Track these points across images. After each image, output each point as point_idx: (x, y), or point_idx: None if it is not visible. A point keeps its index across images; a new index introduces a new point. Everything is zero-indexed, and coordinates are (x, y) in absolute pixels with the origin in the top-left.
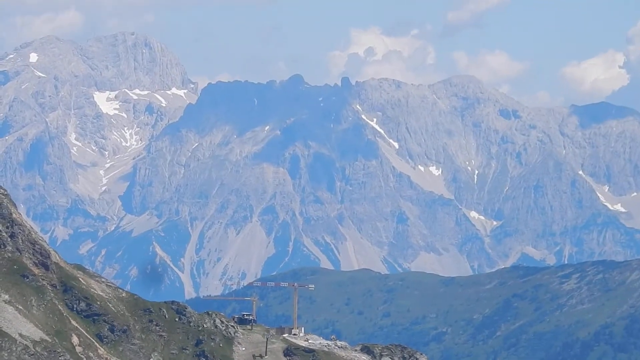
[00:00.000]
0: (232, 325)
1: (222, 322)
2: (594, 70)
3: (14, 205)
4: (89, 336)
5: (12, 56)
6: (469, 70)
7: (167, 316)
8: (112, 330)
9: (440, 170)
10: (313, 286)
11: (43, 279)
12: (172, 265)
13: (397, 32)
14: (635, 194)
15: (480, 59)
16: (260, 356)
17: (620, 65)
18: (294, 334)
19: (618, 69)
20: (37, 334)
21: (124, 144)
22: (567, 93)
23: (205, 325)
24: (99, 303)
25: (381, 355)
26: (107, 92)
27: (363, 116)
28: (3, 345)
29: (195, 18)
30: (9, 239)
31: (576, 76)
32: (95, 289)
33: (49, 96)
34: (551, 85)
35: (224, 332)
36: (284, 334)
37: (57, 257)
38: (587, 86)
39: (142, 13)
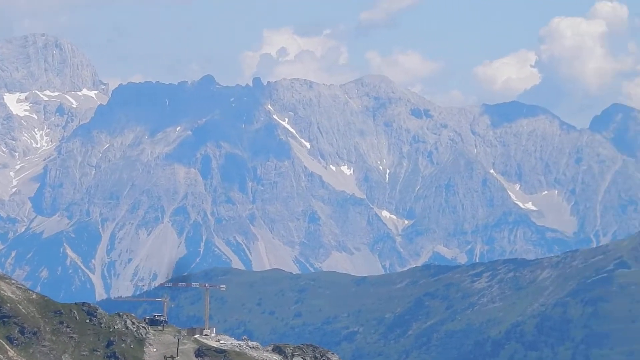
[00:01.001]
0: (143, 327)
1: (133, 323)
2: (506, 69)
3: None
4: None
5: None
6: (382, 70)
7: (77, 318)
8: (22, 332)
9: (352, 170)
10: (224, 286)
11: None
12: (82, 266)
13: (310, 32)
14: (546, 192)
15: (393, 58)
16: (172, 357)
17: (532, 64)
18: (206, 335)
19: (530, 68)
20: None
21: (34, 145)
22: (479, 92)
23: (116, 327)
24: (9, 305)
25: (293, 355)
26: (18, 94)
27: (275, 116)
28: None
29: (108, 19)
30: None
31: (488, 75)
32: (5, 291)
33: None
34: (464, 85)
35: (135, 334)
36: (196, 334)
37: None
38: (499, 85)
39: (55, 14)
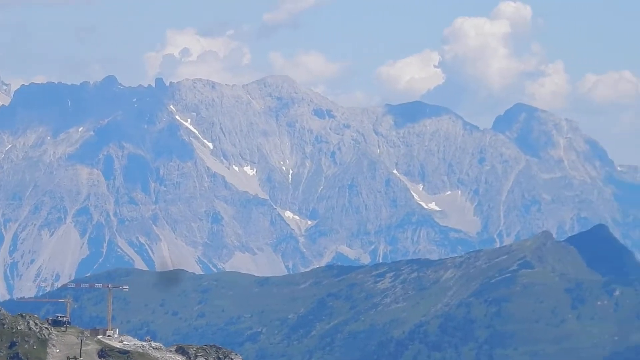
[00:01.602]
0: (46, 327)
1: (36, 324)
2: (409, 69)
3: None
4: None
5: None
6: (285, 71)
7: None
8: None
9: (255, 170)
10: (127, 287)
11: None
12: None
13: (213, 32)
14: (449, 192)
15: (296, 59)
16: (75, 358)
17: (435, 64)
18: (109, 336)
19: (433, 69)
20: None
21: None
22: (383, 92)
23: (19, 327)
24: None
25: (196, 356)
26: None
27: (177, 117)
28: None
29: (11, 19)
30: None
31: (392, 76)
32: None
33: None
34: (367, 85)
35: (38, 334)
36: (99, 335)
37: None
38: (402, 85)
39: None
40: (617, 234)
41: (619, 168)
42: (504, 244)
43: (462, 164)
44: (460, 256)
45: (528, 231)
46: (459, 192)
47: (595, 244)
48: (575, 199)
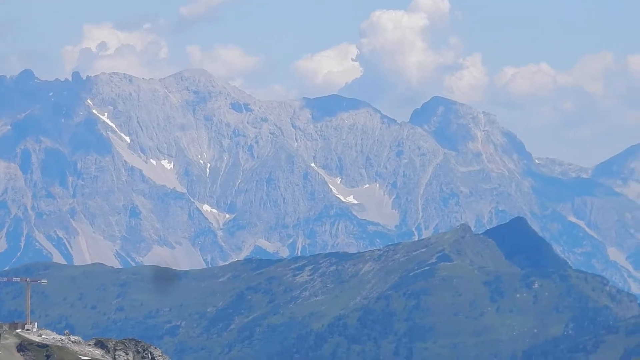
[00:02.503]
0: None
1: None
2: (327, 63)
3: None
4: None
5: None
6: (203, 65)
7: None
8: None
9: (173, 164)
10: (46, 281)
11: None
12: None
13: (130, 26)
14: (367, 185)
15: (213, 53)
16: None
17: (353, 58)
18: (27, 329)
19: (351, 62)
20: None
21: None
22: (300, 86)
23: None
24: None
25: (115, 350)
26: None
27: (94, 111)
28: None
29: None
30: None
31: (310, 69)
32: None
33: None
34: (285, 79)
35: None
36: (17, 329)
37: None
38: (320, 79)
39: None
40: (535, 226)
41: (536, 161)
42: (423, 237)
43: (380, 157)
44: (379, 249)
45: (446, 224)
46: (377, 185)
47: (513, 237)
48: (493, 192)
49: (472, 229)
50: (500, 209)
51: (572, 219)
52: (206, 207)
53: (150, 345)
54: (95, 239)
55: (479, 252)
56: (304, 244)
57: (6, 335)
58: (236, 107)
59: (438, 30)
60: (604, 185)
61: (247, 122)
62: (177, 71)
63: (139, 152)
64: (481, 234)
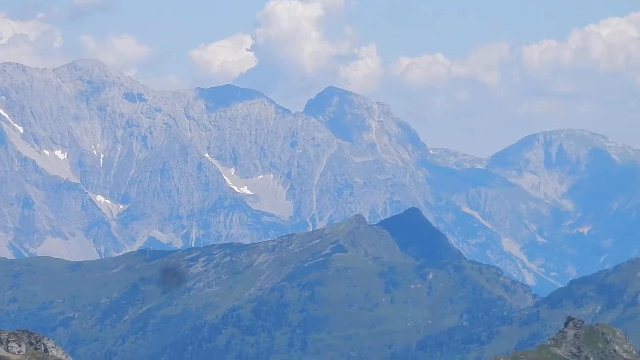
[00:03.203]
0: None
1: None
2: (222, 53)
3: None
4: None
5: None
6: (97, 54)
7: None
8: None
9: (66, 155)
10: None
11: None
12: None
13: (23, 15)
14: (261, 176)
15: (107, 42)
16: None
17: (247, 48)
18: None
19: (246, 52)
20: None
21: None
22: (195, 76)
23: None
24: None
25: (8, 341)
26: None
27: None
28: None
29: None
30: None
31: (204, 59)
32: None
33: None
34: (179, 69)
35: None
36: None
37: None
38: (215, 69)
39: None
40: (430, 217)
41: (431, 152)
42: (317, 228)
43: (274, 147)
44: (273, 240)
45: (341, 215)
46: (271, 175)
47: (408, 228)
48: (387, 182)
49: (367, 219)
50: (394, 199)
51: (467, 209)
52: (100, 198)
53: (44, 337)
54: None
55: (374, 243)
56: (198, 234)
57: None
58: (130, 97)
59: (333, 20)
60: (499, 176)
61: (141, 113)
62: (71, 61)
63: (32, 142)
64: (375, 224)
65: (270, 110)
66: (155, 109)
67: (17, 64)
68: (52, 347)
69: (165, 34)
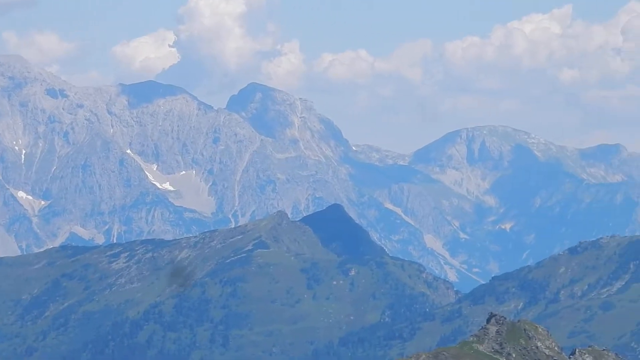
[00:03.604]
0: None
1: None
2: (144, 49)
3: None
4: None
5: None
6: (19, 50)
7: None
8: None
9: None
10: None
11: None
12: None
13: None
14: (183, 172)
15: (30, 38)
16: None
17: (170, 44)
18: None
19: (168, 48)
20: None
21: None
22: (117, 72)
23: None
24: None
25: None
26: None
27: None
28: None
29: None
30: None
31: (127, 55)
32: None
33: None
34: (102, 65)
35: None
36: None
37: None
38: (137, 65)
39: None
40: (352, 213)
41: (354, 148)
42: (239, 224)
43: (197, 143)
44: (195, 236)
45: (263, 211)
46: (194, 172)
47: (330, 224)
48: (310, 178)
49: (289, 215)
50: (317, 195)
51: (389, 205)
52: (21, 194)
53: None
54: None
55: (296, 239)
56: (119, 230)
57: None
58: (52, 93)
59: (255, 16)
60: (421, 172)
61: (63, 109)
62: None
63: None
64: (298, 221)
65: (193, 107)
66: (77, 105)
67: None
68: None
69: (88, 30)
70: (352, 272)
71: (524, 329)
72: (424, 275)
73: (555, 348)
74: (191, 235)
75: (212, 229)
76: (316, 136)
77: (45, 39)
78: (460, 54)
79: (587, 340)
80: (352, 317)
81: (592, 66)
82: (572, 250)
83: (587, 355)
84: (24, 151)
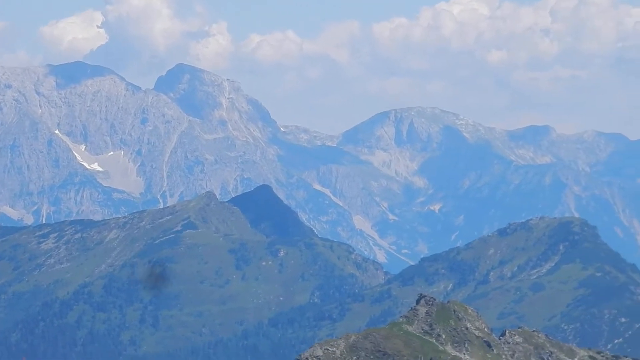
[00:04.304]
0: None
1: None
2: (72, 29)
3: None
4: None
5: None
6: None
7: None
8: None
9: None
10: None
11: None
12: None
13: None
14: (112, 153)
15: None
16: None
17: (98, 25)
18: None
19: (96, 29)
20: None
21: None
22: (45, 53)
23: None
24: None
25: None
26: None
27: None
28: None
29: None
30: None
31: (54, 36)
32: None
33: None
34: (29, 45)
35: None
36: None
37: None
38: (65, 45)
39: None
40: (281, 194)
41: (282, 129)
42: (168, 205)
43: (125, 124)
44: (124, 217)
45: (192, 192)
46: (122, 152)
47: (259, 205)
48: (238, 159)
49: (218, 196)
50: (245, 176)
51: (318, 187)
52: None
53: None
54: None
55: (224, 219)
56: (48, 211)
57: None
58: None
59: None
60: (350, 153)
61: None
62: None
63: None
64: (226, 201)
65: (121, 87)
66: (5, 85)
67: None
68: None
69: (16, 10)
70: (281, 253)
71: (454, 310)
72: (353, 256)
73: (485, 329)
74: (120, 216)
75: (141, 209)
76: (244, 117)
77: None
78: (387, 35)
79: (517, 321)
80: (281, 298)
81: (520, 47)
82: (502, 232)
83: (517, 336)
84: None
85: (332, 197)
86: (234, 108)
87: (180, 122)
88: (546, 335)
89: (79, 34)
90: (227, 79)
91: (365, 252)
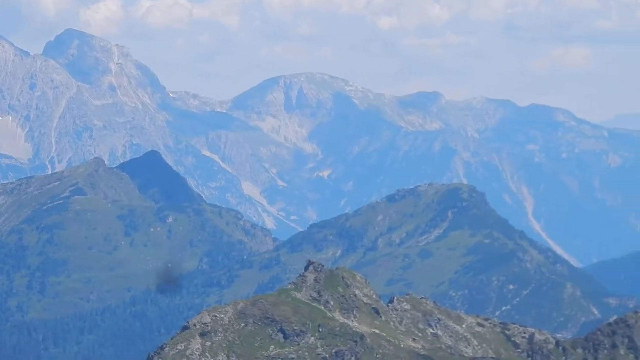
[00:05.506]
0: None
1: None
2: None
3: None
4: None
5: None
6: None
7: None
8: None
9: None
10: None
11: None
12: None
13: None
14: (0, 118)
15: None
16: None
17: None
18: None
19: None
20: None
21: None
22: None
23: None
24: None
25: None
26: None
27: None
28: None
29: None
30: None
31: None
32: None
33: None
34: None
35: None
36: None
37: None
38: None
39: None
40: (169, 160)
41: (171, 95)
42: (56, 171)
43: (13, 89)
44: (12, 182)
45: (80, 157)
46: (10, 118)
47: (147, 171)
48: (127, 125)
49: (106, 162)
50: (134, 142)
51: (207, 152)
52: None
53: None
54: None
55: (113, 185)
56: None
57: None
58: None
59: None
60: (239, 119)
61: None
62: None
63: None
64: (115, 167)
65: (10, 52)
66: None
67: None
68: None
69: None
70: (170, 219)
71: (342, 277)
72: (241, 222)
73: (373, 296)
74: (7, 182)
75: (29, 175)
76: (133, 83)
77: None
78: (278, 1)
79: (405, 288)
80: (169, 264)
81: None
82: (390, 198)
83: (405, 303)
84: None
85: (221, 163)
86: (122, 73)
87: (68, 88)
88: (434, 302)
89: None
90: (116, 45)
91: (254, 219)
